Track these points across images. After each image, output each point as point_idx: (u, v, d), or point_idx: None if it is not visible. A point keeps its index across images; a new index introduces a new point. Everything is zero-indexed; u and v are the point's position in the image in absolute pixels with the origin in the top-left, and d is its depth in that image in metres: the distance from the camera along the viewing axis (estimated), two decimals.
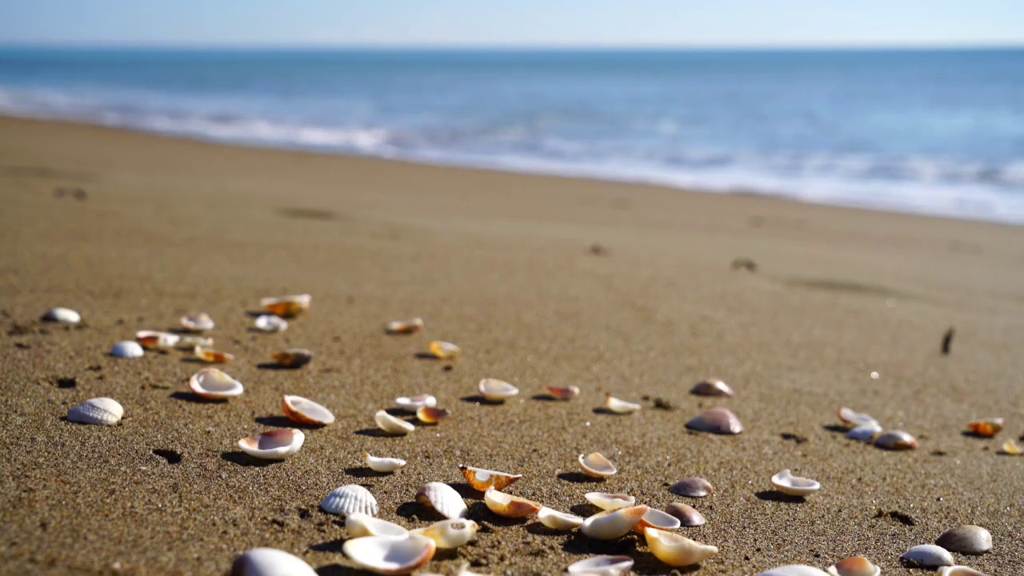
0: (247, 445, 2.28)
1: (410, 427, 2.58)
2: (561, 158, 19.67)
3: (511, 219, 8.23)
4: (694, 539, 2.08)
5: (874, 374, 3.68)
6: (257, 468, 2.22)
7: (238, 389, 2.70)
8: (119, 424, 2.40)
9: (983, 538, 2.18)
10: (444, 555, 1.86)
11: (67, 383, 2.67)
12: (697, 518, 2.17)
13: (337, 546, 1.86)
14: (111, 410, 2.42)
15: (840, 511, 2.32)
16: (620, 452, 2.60)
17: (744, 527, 2.18)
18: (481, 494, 2.19)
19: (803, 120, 29.20)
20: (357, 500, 2.04)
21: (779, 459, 2.66)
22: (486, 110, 33.33)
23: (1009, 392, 3.59)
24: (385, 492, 2.17)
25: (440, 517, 2.05)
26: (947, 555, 2.07)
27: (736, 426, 2.86)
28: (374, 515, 2.03)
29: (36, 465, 2.09)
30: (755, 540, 2.11)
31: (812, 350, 3.96)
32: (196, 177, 9.82)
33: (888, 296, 5.46)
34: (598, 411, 2.94)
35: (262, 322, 3.52)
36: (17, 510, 1.85)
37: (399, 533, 1.87)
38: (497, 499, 2.08)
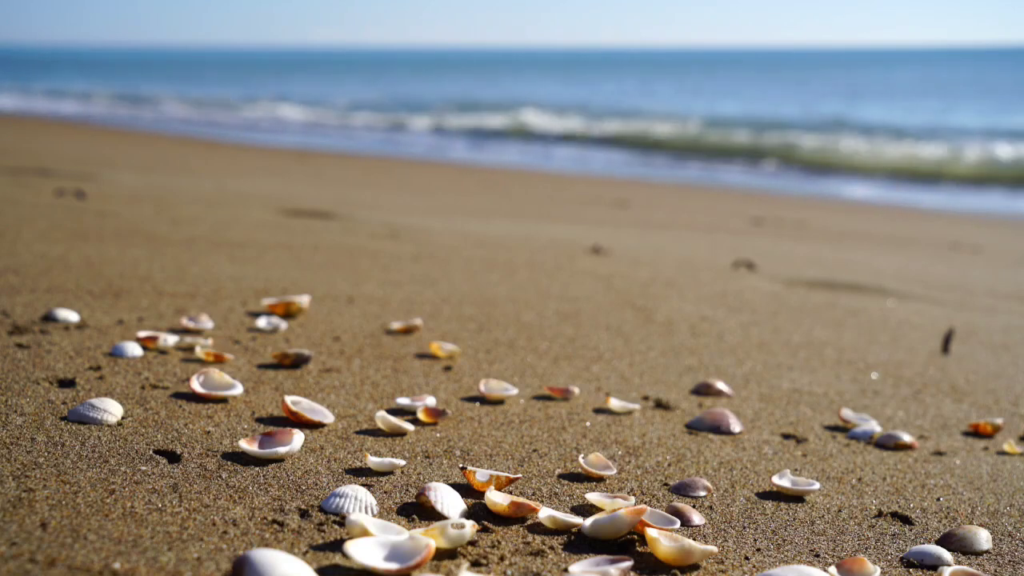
0: (247, 445, 2.28)
1: (410, 427, 2.58)
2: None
3: (511, 219, 8.22)
4: (694, 539, 2.08)
5: (874, 374, 3.68)
6: (257, 468, 2.22)
7: (238, 389, 2.70)
8: (119, 424, 2.40)
9: (983, 538, 2.18)
10: (444, 555, 1.86)
11: (67, 383, 2.67)
12: (697, 518, 2.17)
13: (337, 546, 1.86)
14: (111, 410, 2.43)
15: (840, 511, 2.32)
16: (620, 452, 2.59)
17: (744, 527, 2.18)
18: (481, 494, 2.19)
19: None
20: (357, 500, 2.04)
21: (779, 459, 2.66)
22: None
23: (1009, 392, 3.59)
24: (385, 492, 2.17)
25: (440, 517, 2.05)
26: (947, 555, 2.07)
27: (736, 426, 2.86)
28: (374, 515, 2.03)
29: (36, 465, 2.09)
30: (755, 540, 2.12)
31: (812, 350, 3.96)
32: (196, 177, 9.82)
33: (888, 296, 5.46)
34: (598, 411, 2.94)
35: (262, 322, 3.52)
36: (17, 510, 1.86)
37: (399, 533, 1.87)
38: (497, 499, 2.08)
